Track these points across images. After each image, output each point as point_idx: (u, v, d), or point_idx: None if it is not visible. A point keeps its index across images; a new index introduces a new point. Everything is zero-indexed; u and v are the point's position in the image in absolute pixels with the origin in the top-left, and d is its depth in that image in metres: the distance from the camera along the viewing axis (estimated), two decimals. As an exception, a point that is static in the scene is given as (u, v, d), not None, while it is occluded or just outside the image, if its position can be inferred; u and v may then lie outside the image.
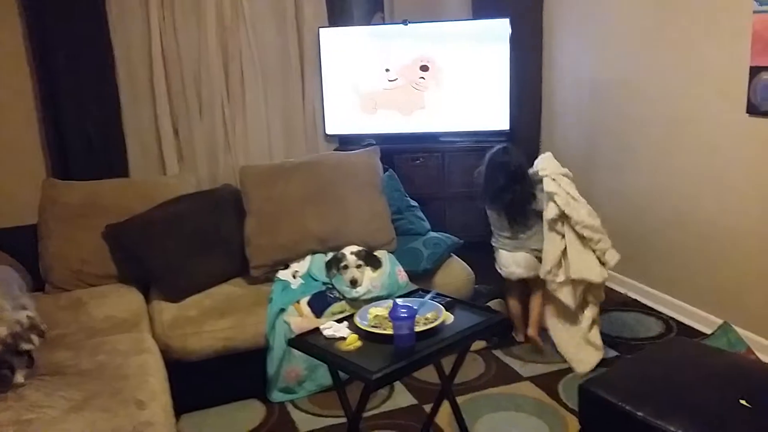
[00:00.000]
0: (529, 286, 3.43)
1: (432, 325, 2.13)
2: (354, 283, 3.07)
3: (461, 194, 4.62)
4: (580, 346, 3.19)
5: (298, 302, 3.05)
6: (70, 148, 4.14)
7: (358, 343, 2.10)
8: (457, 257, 3.46)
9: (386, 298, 3.04)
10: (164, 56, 4.29)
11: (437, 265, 3.27)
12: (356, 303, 3.07)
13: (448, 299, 2.37)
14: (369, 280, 3.11)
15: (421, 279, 3.22)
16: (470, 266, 3.48)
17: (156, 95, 4.35)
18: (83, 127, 4.14)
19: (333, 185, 3.38)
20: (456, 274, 3.34)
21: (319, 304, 3.06)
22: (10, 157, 4.11)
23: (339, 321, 2.26)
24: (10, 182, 4.05)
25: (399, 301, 2.27)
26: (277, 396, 3.06)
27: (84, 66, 4.02)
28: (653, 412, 2.00)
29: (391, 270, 3.17)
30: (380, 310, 2.25)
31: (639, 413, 2.01)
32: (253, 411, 3.03)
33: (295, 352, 2.97)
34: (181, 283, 3.18)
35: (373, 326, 2.17)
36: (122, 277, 3.38)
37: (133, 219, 3.33)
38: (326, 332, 2.17)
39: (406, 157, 4.50)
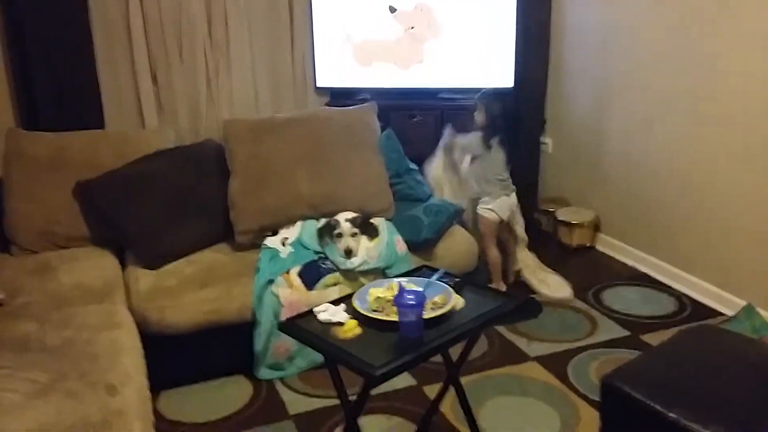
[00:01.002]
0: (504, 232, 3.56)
1: (441, 312, 1.89)
2: (349, 253, 2.82)
3: None
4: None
5: (287, 272, 2.80)
6: (38, 95, 3.83)
7: (358, 330, 1.85)
8: (459, 226, 3.20)
9: (384, 270, 2.82)
10: (141, -5, 3.95)
11: (439, 235, 3.01)
12: (351, 274, 2.83)
13: (457, 279, 2.11)
14: (365, 249, 2.86)
15: (421, 249, 2.97)
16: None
17: (132, 38, 4.03)
18: (53, 73, 3.82)
19: (326, 144, 3.10)
20: (459, 244, 3.09)
21: (311, 275, 2.81)
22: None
23: (335, 302, 2.00)
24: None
25: (403, 281, 2.02)
26: (265, 373, 2.83)
27: (53, 4, 3.66)
28: (687, 413, 1.78)
29: (389, 239, 2.91)
30: (381, 290, 2.00)
31: (671, 414, 1.79)
32: (239, 389, 2.80)
33: (284, 326, 2.73)
34: (158, 248, 2.91)
35: (374, 310, 1.92)
36: (96, 239, 3.10)
37: (105, 176, 3.03)
38: (321, 316, 1.91)
39: (402, 114, 4.25)
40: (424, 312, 1.82)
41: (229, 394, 2.75)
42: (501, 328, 3.17)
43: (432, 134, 4.33)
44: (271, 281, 2.76)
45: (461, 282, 2.11)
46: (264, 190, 2.97)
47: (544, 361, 2.90)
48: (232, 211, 2.98)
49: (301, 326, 1.91)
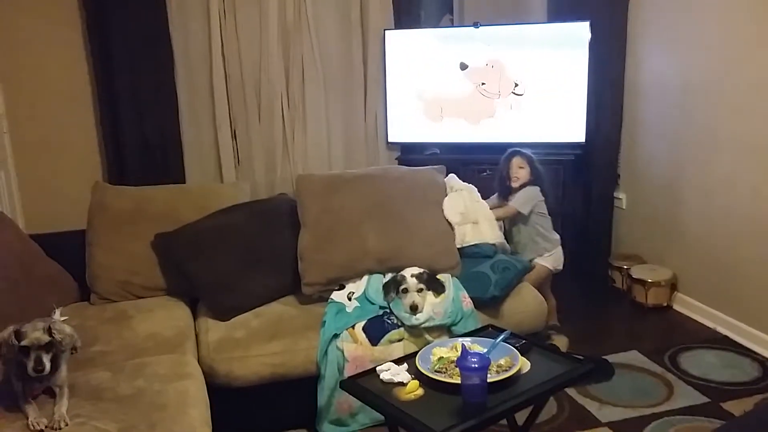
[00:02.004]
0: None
1: (506, 375, 1.85)
2: (414, 309, 2.80)
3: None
4: None
5: (352, 327, 2.81)
6: (126, 150, 4.07)
7: (420, 392, 1.84)
8: (528, 284, 3.14)
9: (449, 326, 2.79)
10: (224, 56, 4.15)
11: (506, 293, 2.97)
12: (416, 331, 2.81)
13: (524, 341, 2.07)
14: (430, 305, 2.84)
15: (487, 307, 2.93)
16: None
17: (215, 97, 4.21)
18: (140, 128, 4.04)
19: (395, 201, 3.12)
20: (527, 302, 3.03)
21: (376, 331, 2.81)
22: (67, 158, 4.06)
23: (398, 361, 1.99)
24: (67, 185, 3.98)
25: (467, 342, 1.99)
26: (327, 429, 2.82)
27: (143, 64, 3.91)
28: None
29: (455, 296, 2.89)
30: (445, 351, 1.98)
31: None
32: (300, 444, 2.79)
33: (348, 381, 2.72)
34: (229, 300, 2.98)
35: (436, 371, 1.90)
36: (171, 289, 3.20)
37: (182, 229, 3.15)
38: (383, 375, 1.91)
39: (472, 168, 4.23)
40: (488, 375, 1.79)
41: (291, 451, 2.75)
42: (571, 391, 3.06)
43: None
44: (336, 336, 2.77)
45: (528, 344, 2.07)
46: (332, 244, 3.01)
47: (616, 427, 2.78)
48: (301, 263, 3.03)
49: (363, 385, 1.90)
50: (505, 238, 3.38)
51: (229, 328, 2.86)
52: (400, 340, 2.81)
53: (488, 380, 1.76)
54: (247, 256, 3.11)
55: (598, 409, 2.93)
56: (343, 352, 2.76)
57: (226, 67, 4.16)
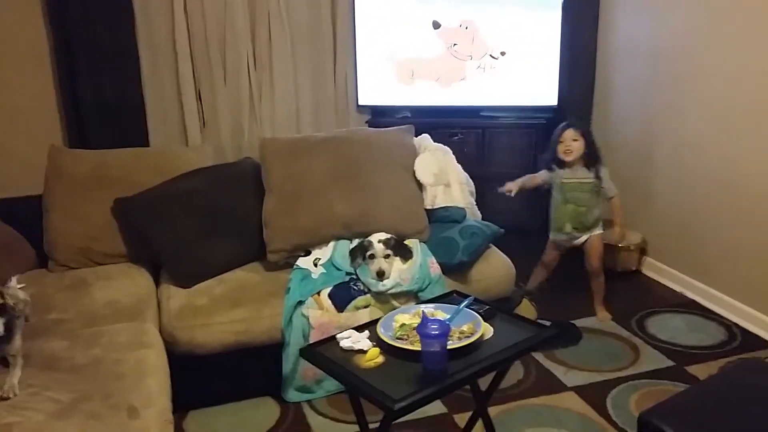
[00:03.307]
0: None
1: (468, 342, 1.81)
2: (381, 274, 2.76)
3: (503, 175, 4.25)
4: None
5: (318, 294, 2.76)
6: (85, 112, 3.92)
7: (380, 359, 1.79)
8: (496, 248, 3.11)
9: (416, 292, 2.75)
10: (186, 12, 4.01)
11: (474, 258, 2.93)
12: (382, 297, 2.77)
13: (488, 307, 2.03)
14: (398, 272, 2.80)
15: (455, 272, 2.89)
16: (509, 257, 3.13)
17: (178, 56, 4.08)
18: (100, 91, 3.90)
19: (362, 164, 3.05)
20: (495, 268, 2.99)
21: (342, 297, 2.76)
22: (23, 120, 3.90)
23: (360, 328, 1.94)
24: (25, 148, 3.83)
25: (429, 309, 1.95)
26: (293, 395, 2.79)
27: (101, 21, 3.75)
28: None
29: (423, 261, 2.84)
30: (408, 317, 1.94)
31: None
32: (266, 411, 2.76)
33: (314, 348, 2.68)
34: (191, 267, 2.91)
35: (398, 338, 1.85)
36: (132, 256, 3.12)
37: (142, 194, 3.05)
38: (343, 343, 1.86)
39: (443, 132, 4.16)
40: (449, 342, 1.75)
41: (255, 417, 2.72)
42: (538, 355, 3.06)
43: (473, 153, 4.27)
44: (301, 302, 2.72)
45: (491, 310, 2.03)
46: (298, 210, 2.94)
47: (581, 391, 2.78)
48: (266, 229, 2.96)
49: (323, 353, 1.85)
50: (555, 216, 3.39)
51: (190, 296, 2.79)
52: (366, 307, 2.77)
53: (449, 347, 1.72)
54: (210, 222, 3.03)
55: (564, 374, 2.93)
56: (308, 319, 2.71)
57: (189, 24, 4.03)
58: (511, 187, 3.45)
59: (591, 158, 3.30)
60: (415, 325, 1.85)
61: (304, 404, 2.78)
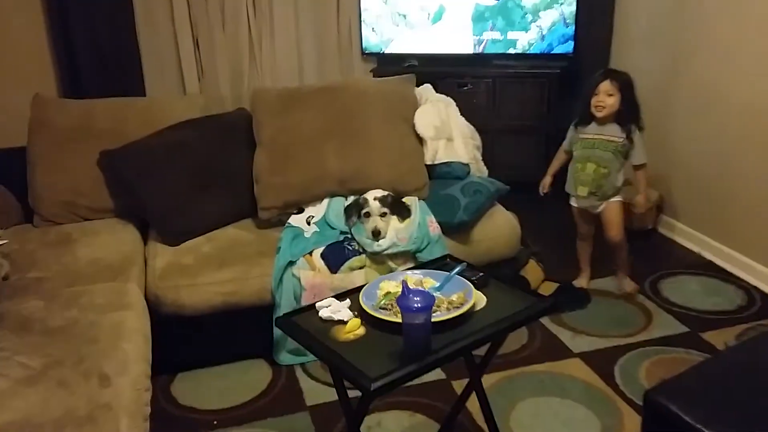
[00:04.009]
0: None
1: (456, 314, 1.65)
2: (376, 234, 2.60)
3: (513, 127, 4.11)
4: None
5: (310, 254, 2.61)
6: (80, 60, 3.78)
7: (360, 331, 1.65)
8: (501, 206, 2.93)
9: (414, 253, 2.59)
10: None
11: (476, 217, 2.76)
12: (378, 257, 2.62)
13: (481, 274, 1.87)
14: (394, 231, 2.64)
15: (456, 232, 2.72)
16: (517, 215, 2.96)
17: (173, 1, 3.88)
18: (94, 38, 3.76)
19: (358, 116, 2.86)
20: (499, 227, 2.82)
21: (335, 258, 2.61)
22: (17, 71, 3.74)
23: (341, 297, 1.79)
24: (18, 98, 3.65)
25: (417, 276, 1.79)
26: (285, 358, 2.68)
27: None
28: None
29: (421, 220, 2.68)
30: (394, 285, 1.78)
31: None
32: (258, 373, 2.66)
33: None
34: (179, 224, 2.77)
35: (381, 308, 1.70)
36: (120, 211, 2.99)
37: (129, 146, 2.90)
38: (322, 312, 1.72)
39: (451, 81, 4.01)
40: (436, 313, 1.59)
41: (246, 379, 2.61)
42: (544, 319, 2.91)
43: (483, 104, 4.07)
44: (292, 263, 2.58)
45: (485, 277, 1.87)
46: (290, 165, 2.78)
47: (588, 358, 2.64)
48: (257, 185, 2.81)
49: (299, 324, 1.71)
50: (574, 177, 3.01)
51: (177, 254, 2.66)
52: (361, 268, 2.63)
53: (435, 319, 1.57)
54: (199, 177, 2.88)
55: (571, 339, 2.78)
56: (299, 280, 2.58)
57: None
58: (546, 181, 3.13)
59: (626, 116, 2.84)
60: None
61: (296, 367, 2.67)
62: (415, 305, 1.46)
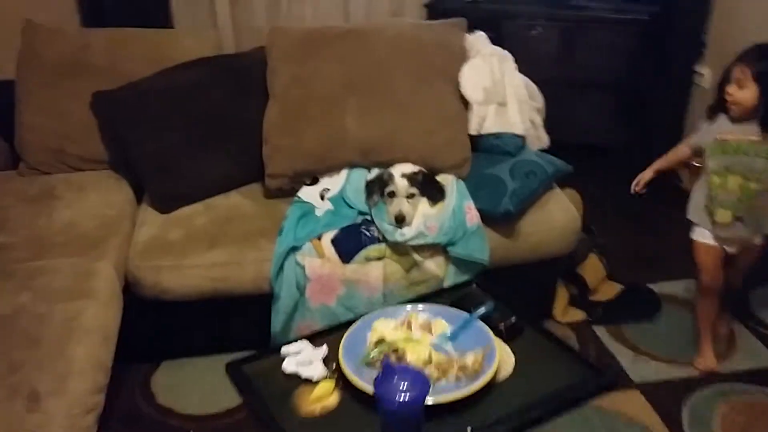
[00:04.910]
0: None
1: (467, 393, 1.17)
2: (400, 219, 2.12)
3: (586, 81, 3.51)
4: None
5: (318, 238, 2.15)
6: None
7: (332, 401, 1.20)
8: (559, 190, 2.39)
9: (445, 246, 2.11)
10: None
11: (524, 207, 2.23)
12: (401, 248, 2.15)
13: (514, 320, 1.37)
14: (423, 217, 2.16)
15: (499, 223, 2.21)
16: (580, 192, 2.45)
17: None
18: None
19: (388, 70, 2.34)
20: (553, 219, 2.29)
21: (349, 244, 2.16)
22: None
23: (317, 338, 1.34)
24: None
25: (425, 315, 1.32)
26: (285, 353, 2.26)
27: None
28: None
29: (457, 206, 2.18)
30: (392, 326, 1.31)
31: None
32: (252, 368, 2.26)
33: (310, 303, 2.14)
34: (174, 186, 2.37)
35: (368, 363, 1.24)
36: (115, 163, 2.60)
37: (123, 88, 2.48)
38: (288, 363, 1.27)
39: (519, 23, 3.44)
40: (439, 385, 1.13)
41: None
42: (600, 330, 2.41)
43: (554, 52, 3.47)
44: (296, 248, 2.13)
45: (518, 324, 1.37)
46: (304, 124, 2.30)
47: (651, 391, 2.14)
48: (265, 146, 2.36)
49: (252, 377, 1.27)
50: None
51: (165, 225, 2.26)
52: (379, 259, 2.16)
53: (437, 400, 1.10)
54: (202, 130, 2.45)
55: (632, 362, 2.28)
56: (304, 269, 2.13)
57: None
58: (646, 176, 2.25)
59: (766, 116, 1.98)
60: (401, 342, 1.24)
61: (297, 367, 2.25)
62: (400, 396, 0.99)
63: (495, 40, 2.82)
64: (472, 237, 2.17)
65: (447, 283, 2.17)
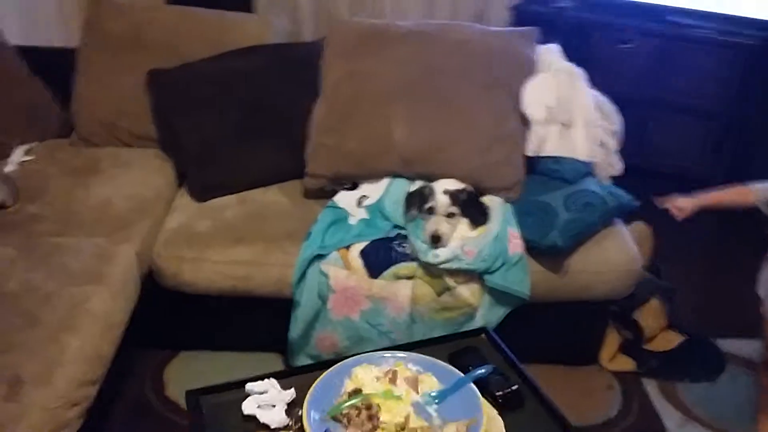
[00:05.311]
0: None
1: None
2: (436, 239, 1.96)
3: (679, 105, 3.22)
4: None
5: (347, 248, 2.02)
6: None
7: (289, 456, 1.05)
8: (622, 226, 2.16)
9: (482, 273, 1.93)
10: None
11: (575, 243, 2.01)
12: (433, 269, 1.98)
13: (515, 388, 1.19)
14: (461, 240, 1.99)
15: (545, 255, 2.01)
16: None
17: None
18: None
19: (446, 76, 2.16)
20: (608, 258, 2.06)
21: (379, 259, 2.02)
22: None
23: (284, 378, 1.20)
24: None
25: (413, 368, 1.16)
26: (305, 363, 2.16)
27: None
28: None
29: (500, 232, 2.00)
30: (373, 375, 1.15)
31: None
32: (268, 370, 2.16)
33: (332, 314, 2.01)
34: (210, 174, 2.30)
35: (335, 418, 1.10)
36: (163, 142, 2.55)
37: (175, 69, 2.43)
38: (247, 404, 1.14)
39: (610, 35, 3.24)
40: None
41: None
42: (650, 383, 2.18)
43: (645, 68, 3.21)
44: (321, 256, 2.01)
45: (518, 393, 1.19)
46: (349, 124, 2.17)
47: (692, 465, 1.90)
48: (308, 143, 2.23)
49: (205, 410, 1.14)
50: None
51: (195, 215, 2.19)
52: (409, 278, 2.01)
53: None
54: (250, 120, 2.37)
55: (679, 425, 2.04)
56: (328, 279, 2.01)
57: None
58: (687, 205, 1.92)
59: None
60: (377, 398, 1.08)
61: (314, 377, 2.15)
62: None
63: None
64: (512, 268, 1.98)
65: (481, 313, 2.01)
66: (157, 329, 2.25)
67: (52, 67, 2.68)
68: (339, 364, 1.18)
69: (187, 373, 2.18)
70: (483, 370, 1.17)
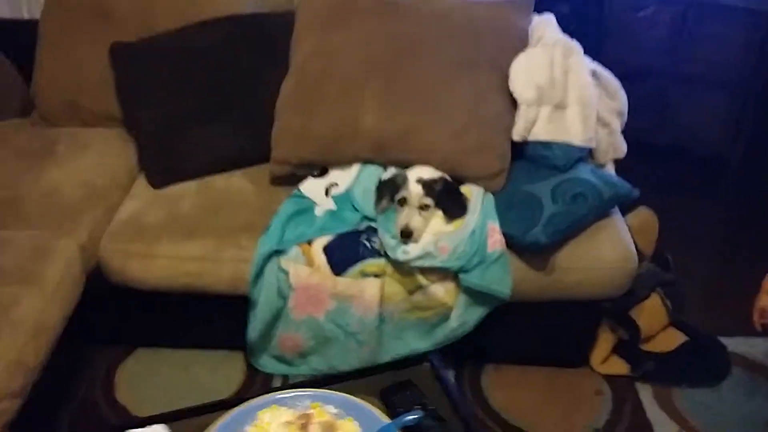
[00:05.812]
0: None
1: None
2: (407, 234, 1.76)
3: (699, 76, 2.96)
4: None
5: (309, 243, 1.83)
6: None
7: None
8: (619, 216, 1.92)
9: (457, 271, 1.73)
10: None
11: (561, 238, 1.79)
12: (404, 267, 1.79)
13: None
14: (434, 235, 1.78)
15: (529, 251, 1.79)
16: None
17: None
18: None
19: (424, 52, 1.93)
20: (601, 254, 1.82)
21: (344, 255, 1.83)
22: None
23: (183, 420, 1.02)
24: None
25: (331, 410, 0.97)
26: (267, 364, 2.02)
27: None
28: None
29: (479, 226, 1.79)
30: (284, 420, 0.97)
31: None
32: (230, 370, 2.05)
33: (294, 314, 1.84)
34: (168, 158, 2.13)
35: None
36: (127, 122, 2.36)
37: (140, 42, 2.24)
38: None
39: (626, 2, 2.91)
40: None
41: (212, 375, 2.03)
42: (646, 390, 1.97)
43: (665, 39, 2.94)
44: (281, 251, 1.82)
45: None
46: (317, 104, 1.96)
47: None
48: (275, 123, 2.03)
49: None
50: None
51: (149, 203, 2.02)
52: (377, 276, 1.82)
53: None
54: (214, 98, 2.18)
55: (676, 437, 1.83)
56: (287, 275, 1.82)
57: None
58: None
59: None
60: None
61: (280, 378, 2.00)
62: None
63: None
64: (492, 265, 1.77)
65: (457, 313, 1.82)
66: (112, 326, 2.10)
67: (20, 40, 2.50)
68: (245, 404, 1.00)
69: (141, 373, 2.05)
70: (413, 416, 0.97)
